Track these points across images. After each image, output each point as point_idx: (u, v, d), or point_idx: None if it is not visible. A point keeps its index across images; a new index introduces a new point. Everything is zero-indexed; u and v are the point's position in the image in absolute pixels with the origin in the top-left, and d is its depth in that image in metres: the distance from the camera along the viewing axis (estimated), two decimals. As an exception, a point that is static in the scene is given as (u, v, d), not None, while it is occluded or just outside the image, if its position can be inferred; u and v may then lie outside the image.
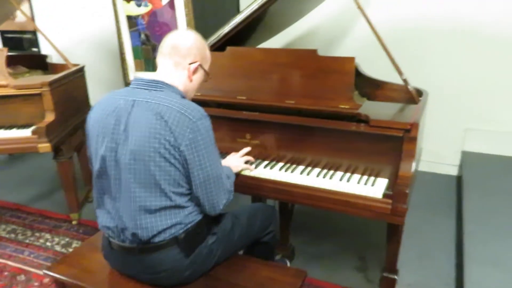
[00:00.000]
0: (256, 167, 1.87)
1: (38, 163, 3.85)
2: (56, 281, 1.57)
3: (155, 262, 1.41)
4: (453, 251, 2.34)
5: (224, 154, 1.93)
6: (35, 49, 4.61)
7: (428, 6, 2.95)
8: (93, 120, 1.45)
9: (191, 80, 1.52)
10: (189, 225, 1.42)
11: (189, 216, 1.42)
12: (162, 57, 1.50)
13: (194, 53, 1.50)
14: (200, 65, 1.53)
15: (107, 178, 1.43)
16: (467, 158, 3.07)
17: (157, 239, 1.39)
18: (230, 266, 1.54)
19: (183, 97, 1.48)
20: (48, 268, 1.57)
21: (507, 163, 2.94)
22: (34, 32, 4.51)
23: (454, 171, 3.25)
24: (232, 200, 1.52)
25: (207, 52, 1.58)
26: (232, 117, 1.95)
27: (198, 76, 1.55)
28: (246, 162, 1.85)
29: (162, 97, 1.38)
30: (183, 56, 1.48)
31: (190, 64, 1.49)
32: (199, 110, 1.38)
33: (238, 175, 1.80)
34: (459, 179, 3.10)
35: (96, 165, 1.45)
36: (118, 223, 1.43)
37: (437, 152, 3.19)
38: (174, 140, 1.32)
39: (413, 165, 1.62)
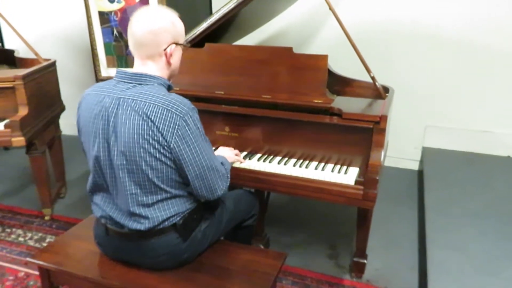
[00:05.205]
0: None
1: (4, 161, 3.75)
2: (40, 269, 1.57)
3: (155, 247, 1.45)
4: (416, 239, 2.50)
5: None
6: (-3, 44, 4.47)
7: (395, 10, 3.11)
8: (82, 118, 1.44)
9: (170, 64, 1.46)
10: (186, 212, 1.47)
11: (186, 203, 1.47)
12: (134, 50, 1.42)
13: (165, 37, 1.40)
14: (176, 44, 1.44)
15: (102, 175, 1.45)
16: (427, 154, 3.27)
17: (156, 228, 1.43)
18: (213, 251, 1.60)
19: (170, 86, 1.47)
20: (32, 256, 1.58)
21: (464, 158, 3.15)
22: (-4, 27, 4.37)
23: (415, 166, 3.44)
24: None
25: (178, 26, 1.44)
26: (211, 110, 2.01)
27: (177, 55, 1.48)
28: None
29: (147, 93, 1.35)
30: (155, 45, 1.39)
31: (165, 49, 1.41)
32: (186, 104, 1.35)
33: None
34: (420, 173, 3.29)
35: (90, 162, 1.47)
36: (115, 216, 1.45)
37: (399, 148, 3.37)
38: (162, 138, 1.32)
39: (382, 154, 1.75)
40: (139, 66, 1.43)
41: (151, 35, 1.37)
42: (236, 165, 1.90)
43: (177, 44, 1.45)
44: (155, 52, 1.41)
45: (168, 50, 1.42)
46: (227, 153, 1.81)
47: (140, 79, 1.40)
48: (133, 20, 1.39)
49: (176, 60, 1.48)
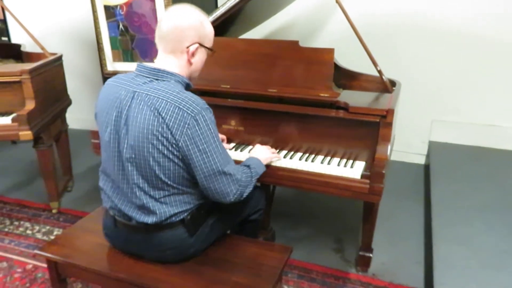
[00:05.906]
0: (241, 151, 1.95)
1: (11, 155, 3.78)
2: (49, 261, 1.59)
3: (162, 241, 1.46)
4: (422, 233, 2.50)
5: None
6: (4, 38, 4.49)
7: (401, 4, 3.09)
8: (99, 107, 1.47)
9: (191, 64, 1.46)
10: (194, 208, 1.47)
11: (194, 199, 1.47)
12: (158, 43, 1.44)
13: (190, 35, 1.41)
14: (200, 45, 1.45)
15: (112, 167, 1.45)
16: (434, 148, 3.25)
17: (164, 222, 1.43)
18: (220, 245, 1.61)
19: (188, 84, 1.46)
20: (40, 249, 1.59)
21: (471, 152, 3.13)
22: (3, 21, 4.38)
23: (422, 160, 3.43)
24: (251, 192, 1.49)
25: (206, 28, 1.47)
26: (217, 104, 2.00)
27: (200, 56, 1.48)
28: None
29: (162, 89, 1.35)
30: (179, 40, 1.40)
31: (188, 47, 1.42)
32: (199, 104, 1.34)
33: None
34: (426, 168, 3.28)
35: (102, 152, 1.49)
36: (124, 208, 1.46)
37: (406, 142, 3.36)
38: (171, 136, 1.31)
39: (389, 148, 1.74)
40: (161, 60, 1.45)
41: (177, 30, 1.40)
42: (242, 159, 1.88)
43: (201, 45, 1.46)
44: (178, 48, 1.42)
45: (191, 48, 1.43)
46: (264, 154, 1.75)
47: (158, 74, 1.40)
48: (165, 14, 1.43)
49: (197, 61, 1.48)
